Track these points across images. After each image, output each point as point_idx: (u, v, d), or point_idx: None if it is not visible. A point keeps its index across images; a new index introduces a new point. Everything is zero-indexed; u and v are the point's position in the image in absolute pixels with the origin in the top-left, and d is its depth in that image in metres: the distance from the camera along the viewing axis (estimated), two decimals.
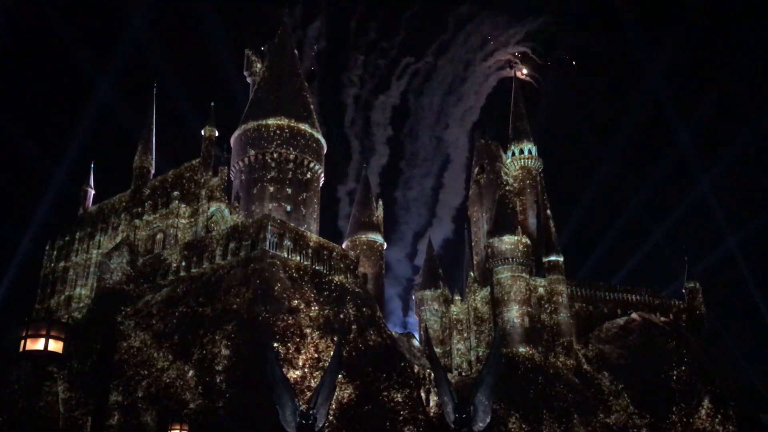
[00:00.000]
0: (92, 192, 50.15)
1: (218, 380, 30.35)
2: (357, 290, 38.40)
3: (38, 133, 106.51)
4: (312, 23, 64.85)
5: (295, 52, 53.04)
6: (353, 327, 35.31)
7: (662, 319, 52.49)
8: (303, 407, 13.23)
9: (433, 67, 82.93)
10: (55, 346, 9.31)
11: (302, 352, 31.97)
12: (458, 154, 79.49)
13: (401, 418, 32.98)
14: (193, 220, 41.74)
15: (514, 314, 46.32)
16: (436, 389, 35.68)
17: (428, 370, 40.53)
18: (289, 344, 31.66)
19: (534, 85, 66.33)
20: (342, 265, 38.95)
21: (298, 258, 36.72)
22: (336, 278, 37.70)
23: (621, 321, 50.83)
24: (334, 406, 29.70)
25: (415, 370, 39.08)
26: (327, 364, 27.54)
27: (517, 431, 40.77)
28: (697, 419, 45.31)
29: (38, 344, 9.23)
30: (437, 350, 49.41)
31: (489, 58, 75.73)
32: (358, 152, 72.99)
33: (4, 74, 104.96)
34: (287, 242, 36.50)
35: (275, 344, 30.07)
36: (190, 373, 31.36)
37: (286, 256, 36.05)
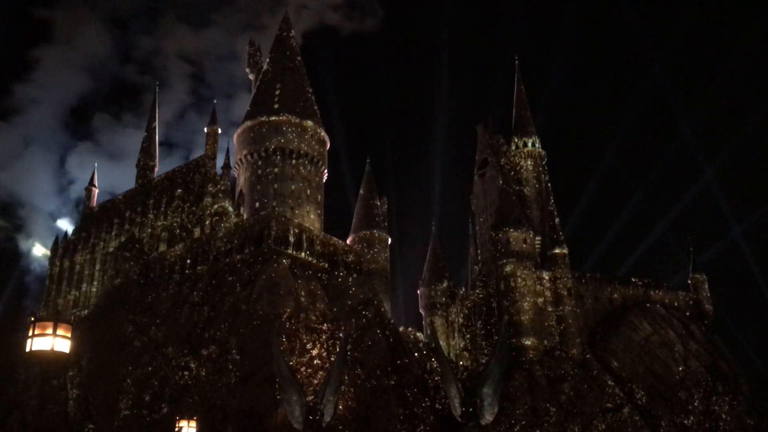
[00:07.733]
0: (97, 191, 50.23)
1: (226, 376, 30.45)
2: (362, 285, 38.41)
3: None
4: None
5: (297, 47, 52.93)
6: (359, 322, 35.34)
7: (669, 310, 52.39)
8: (310, 402, 13.24)
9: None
10: (62, 345, 9.32)
11: (308, 347, 32.03)
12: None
13: (408, 412, 33.03)
14: (198, 217, 41.75)
15: (519, 307, 46.29)
16: (442, 383, 35.71)
17: (434, 365, 40.54)
18: (295, 340, 31.72)
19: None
20: (347, 261, 38.95)
21: (303, 254, 36.72)
22: (341, 274, 37.70)
23: (627, 312, 50.74)
24: (340, 401, 29.75)
25: (422, 365, 39.10)
26: (333, 359, 27.60)
27: (524, 424, 40.77)
28: (705, 410, 45.24)
29: (45, 344, 9.24)
30: (443, 344, 49.38)
31: None
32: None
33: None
34: (292, 239, 36.50)
35: (282, 340, 30.15)
36: (198, 369, 31.47)
37: (291, 252, 36.05)
